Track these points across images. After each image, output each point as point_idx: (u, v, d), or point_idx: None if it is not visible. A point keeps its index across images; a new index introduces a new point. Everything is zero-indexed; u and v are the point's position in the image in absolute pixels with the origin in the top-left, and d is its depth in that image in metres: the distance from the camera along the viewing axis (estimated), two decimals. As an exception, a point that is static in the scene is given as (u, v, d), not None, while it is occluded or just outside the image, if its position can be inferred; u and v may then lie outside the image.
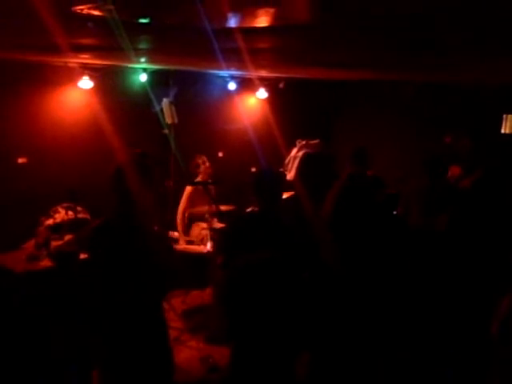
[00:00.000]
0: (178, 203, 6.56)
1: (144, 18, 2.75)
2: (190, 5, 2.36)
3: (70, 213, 5.72)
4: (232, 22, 2.66)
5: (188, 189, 6.52)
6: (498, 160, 6.54)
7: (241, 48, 3.66)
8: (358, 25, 2.80)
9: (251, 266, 2.72)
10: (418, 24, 2.72)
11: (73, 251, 4.90)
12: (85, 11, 2.46)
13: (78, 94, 6.40)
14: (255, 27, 2.83)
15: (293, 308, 2.65)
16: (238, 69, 6.77)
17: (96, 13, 2.55)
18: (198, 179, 6.46)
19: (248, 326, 2.66)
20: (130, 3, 2.48)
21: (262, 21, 2.62)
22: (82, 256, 4.69)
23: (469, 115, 7.12)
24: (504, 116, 6.99)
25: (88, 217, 5.79)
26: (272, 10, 2.35)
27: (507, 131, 7.01)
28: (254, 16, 2.49)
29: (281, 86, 8.26)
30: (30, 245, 5.16)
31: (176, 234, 6.39)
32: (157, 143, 7.00)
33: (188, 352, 5.15)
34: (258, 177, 3.80)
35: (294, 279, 2.71)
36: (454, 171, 5.97)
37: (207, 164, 6.59)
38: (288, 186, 4.48)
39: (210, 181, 6.33)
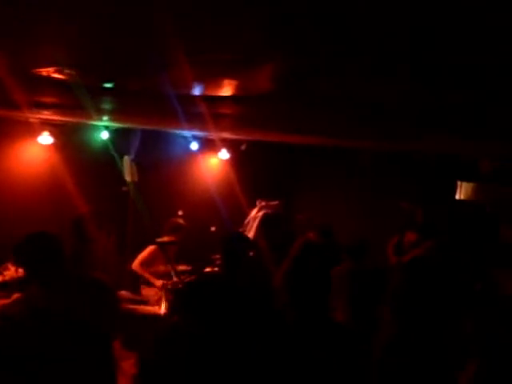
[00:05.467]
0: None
1: (108, 82, 2.76)
2: (155, 72, 2.39)
3: (20, 270, 5.51)
4: (196, 91, 2.70)
5: (151, 248, 6.38)
6: (453, 227, 6.69)
7: (203, 113, 3.71)
8: (316, 97, 2.88)
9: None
10: (372, 97, 2.81)
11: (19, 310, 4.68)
12: (44, 74, 2.45)
13: (37, 149, 6.31)
14: (218, 96, 2.87)
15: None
16: (200, 130, 6.84)
17: (57, 75, 2.54)
18: (164, 239, 6.32)
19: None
20: (94, 68, 2.49)
21: (225, 90, 2.67)
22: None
23: (425, 181, 7.32)
24: (458, 183, 7.22)
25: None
26: (235, 82, 2.40)
27: (462, 197, 7.23)
28: (217, 86, 2.54)
29: (242, 147, 8.36)
30: (-24, 303, 4.91)
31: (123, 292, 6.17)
32: (116, 200, 6.92)
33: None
34: (227, 240, 3.76)
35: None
36: (410, 237, 6.02)
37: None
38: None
39: (166, 240, 6.22)
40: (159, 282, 6.10)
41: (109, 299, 3.02)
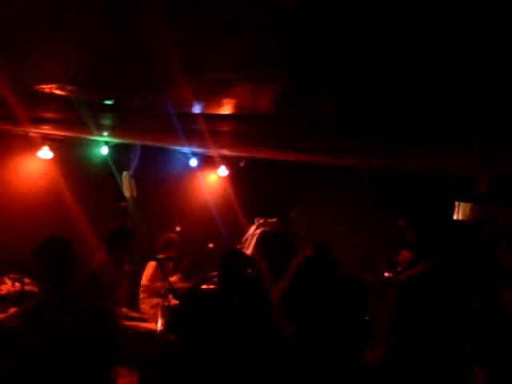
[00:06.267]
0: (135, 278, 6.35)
1: (109, 99, 2.79)
2: (156, 90, 2.42)
3: (17, 284, 5.49)
4: (196, 109, 2.72)
5: (152, 264, 6.35)
6: (450, 246, 6.67)
7: (202, 130, 3.73)
8: (314, 116, 2.90)
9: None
10: (370, 113, 2.83)
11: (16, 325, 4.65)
12: (46, 90, 2.47)
13: (36, 164, 6.32)
14: (217, 114, 2.89)
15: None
16: (200, 147, 6.86)
17: (58, 92, 2.57)
18: (162, 255, 6.30)
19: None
20: (95, 85, 2.51)
21: (225, 109, 2.69)
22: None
23: (423, 201, 7.33)
24: (456, 203, 7.22)
25: (36, 290, 5.56)
26: (234, 101, 2.42)
27: (460, 217, 7.23)
28: (217, 105, 2.56)
29: (241, 164, 8.38)
30: (-28, 317, 4.88)
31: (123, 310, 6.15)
32: (115, 216, 6.90)
33: None
34: (225, 257, 3.74)
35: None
36: (405, 256, 6.01)
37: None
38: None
39: (163, 256, 6.20)
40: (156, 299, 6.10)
41: (110, 325, 3.01)
